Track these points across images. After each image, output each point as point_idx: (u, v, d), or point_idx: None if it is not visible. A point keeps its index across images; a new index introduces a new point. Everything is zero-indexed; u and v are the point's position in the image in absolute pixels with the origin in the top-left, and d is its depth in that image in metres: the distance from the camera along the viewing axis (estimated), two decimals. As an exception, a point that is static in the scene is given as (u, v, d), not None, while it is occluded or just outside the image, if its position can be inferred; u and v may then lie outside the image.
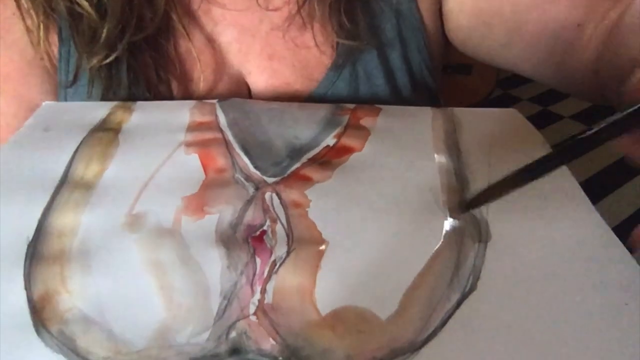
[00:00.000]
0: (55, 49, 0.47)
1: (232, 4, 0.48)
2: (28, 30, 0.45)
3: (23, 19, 0.45)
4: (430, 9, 0.50)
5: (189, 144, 0.38)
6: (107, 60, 0.43)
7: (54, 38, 0.47)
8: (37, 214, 0.32)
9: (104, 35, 0.43)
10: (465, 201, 0.32)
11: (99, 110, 0.43)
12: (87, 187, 0.34)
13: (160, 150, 0.37)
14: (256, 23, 0.48)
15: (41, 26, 0.45)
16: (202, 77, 0.47)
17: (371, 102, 0.47)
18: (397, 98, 0.50)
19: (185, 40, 0.47)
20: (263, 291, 0.27)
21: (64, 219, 0.31)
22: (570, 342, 0.25)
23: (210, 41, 0.48)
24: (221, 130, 0.40)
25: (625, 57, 0.36)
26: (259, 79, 0.49)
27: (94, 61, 0.43)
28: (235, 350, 0.24)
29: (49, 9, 0.45)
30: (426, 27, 0.50)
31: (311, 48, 0.48)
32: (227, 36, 0.48)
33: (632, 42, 0.36)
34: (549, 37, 0.44)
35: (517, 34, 0.46)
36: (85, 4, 0.43)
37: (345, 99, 0.48)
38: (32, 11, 0.44)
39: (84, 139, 0.39)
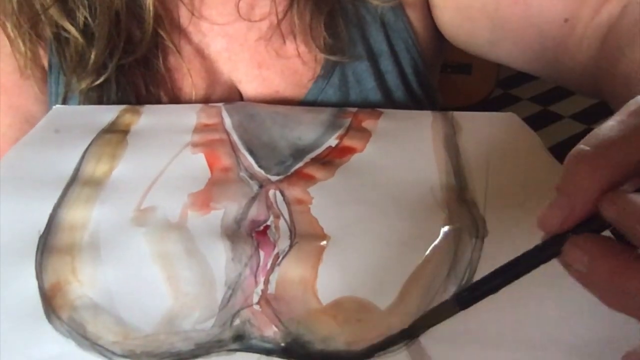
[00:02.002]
0: (45, 67, 0.47)
1: (220, 16, 0.48)
2: (15, 55, 0.45)
3: (10, 44, 0.45)
4: (418, 9, 0.50)
5: (195, 144, 0.39)
6: (97, 83, 0.44)
7: (43, 62, 0.47)
8: (49, 209, 0.33)
9: (92, 59, 0.43)
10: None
11: (107, 113, 0.44)
12: (97, 184, 0.35)
13: (168, 150, 0.39)
14: (244, 32, 0.48)
15: (28, 53, 0.45)
16: (193, 87, 0.47)
17: (363, 106, 0.48)
18: (389, 101, 0.50)
19: (174, 54, 0.47)
20: (266, 282, 0.28)
21: (75, 213, 0.32)
22: (564, 333, 0.26)
23: (200, 52, 0.48)
24: (227, 132, 0.41)
25: (618, 65, 0.36)
26: (249, 87, 0.49)
27: (83, 85, 0.44)
28: (239, 336, 0.25)
29: (35, 36, 0.45)
30: (414, 29, 0.50)
31: (295, 58, 0.48)
32: (217, 45, 0.49)
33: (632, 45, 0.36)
34: (536, 33, 0.44)
35: (503, 30, 0.46)
36: (72, 29, 0.43)
37: (336, 105, 0.48)
38: (19, 39, 0.45)
39: (93, 139, 0.40)
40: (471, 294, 0.23)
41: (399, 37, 0.50)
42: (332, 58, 0.47)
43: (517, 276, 0.22)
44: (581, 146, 0.20)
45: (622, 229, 0.18)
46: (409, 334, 0.25)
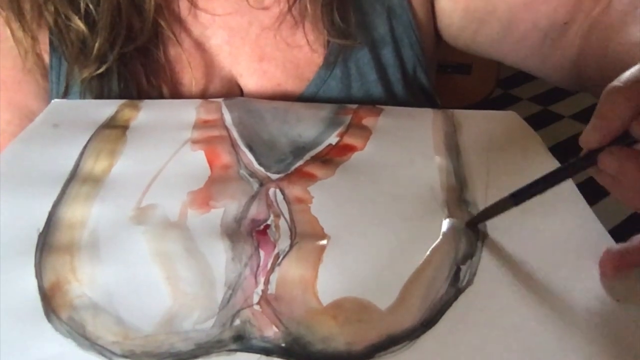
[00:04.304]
0: (46, 59, 0.47)
1: (221, 7, 0.48)
2: (16, 41, 0.45)
3: (12, 34, 0.45)
4: (423, 6, 0.51)
5: (195, 141, 0.39)
6: (98, 72, 0.44)
7: (45, 58, 0.47)
8: (48, 207, 0.33)
9: (95, 47, 0.43)
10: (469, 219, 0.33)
11: (106, 107, 0.44)
12: (96, 181, 0.35)
13: (167, 146, 0.38)
14: (245, 25, 0.48)
15: (29, 41, 0.45)
16: (193, 80, 0.47)
17: (364, 99, 0.48)
18: (390, 95, 0.50)
19: (175, 45, 0.47)
20: (266, 282, 0.28)
21: (74, 211, 0.32)
22: (562, 333, 0.26)
23: (200, 45, 0.48)
24: (226, 128, 0.41)
25: (608, 50, 0.39)
26: (250, 81, 0.49)
27: (85, 74, 0.44)
28: (239, 337, 0.25)
29: (36, 25, 0.45)
30: (419, 24, 0.51)
31: (302, 47, 0.48)
32: (217, 39, 0.48)
33: (617, 37, 0.39)
34: (539, 35, 0.47)
35: (510, 31, 0.48)
36: (75, 18, 0.43)
37: (337, 97, 0.49)
38: (21, 30, 0.44)
39: (92, 135, 0.40)
40: (524, 194, 0.30)
41: (404, 32, 0.50)
42: (343, 42, 0.47)
43: (560, 181, 0.29)
44: (615, 83, 0.26)
45: None
46: (472, 223, 0.32)
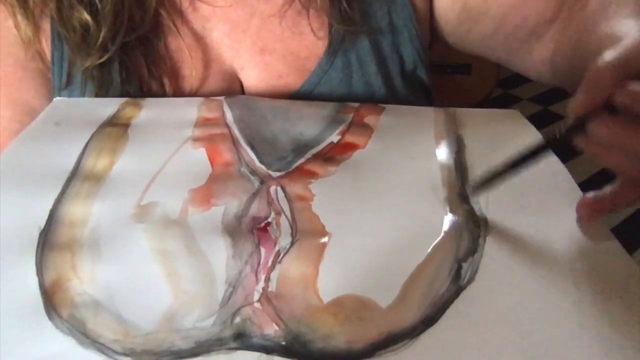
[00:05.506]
0: (47, 51, 0.47)
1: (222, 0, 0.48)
2: (19, 30, 0.45)
3: (15, 22, 0.45)
4: (423, 2, 0.51)
5: (196, 139, 0.39)
6: (100, 61, 0.44)
7: (46, 55, 0.47)
8: (49, 204, 0.33)
9: (100, 38, 0.43)
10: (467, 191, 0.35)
11: (108, 106, 0.44)
12: (98, 179, 0.35)
13: (168, 144, 0.38)
14: (247, 18, 0.48)
15: (32, 28, 0.45)
16: (193, 72, 0.47)
17: (364, 91, 0.48)
18: (389, 88, 0.50)
19: (176, 37, 0.47)
20: (267, 279, 0.28)
21: (75, 209, 0.32)
22: (564, 331, 0.26)
23: (202, 38, 0.48)
24: (228, 126, 0.41)
25: (578, 44, 0.40)
26: (251, 74, 0.49)
27: (88, 63, 0.44)
28: (240, 335, 0.25)
29: (39, 13, 0.45)
30: (418, 19, 0.51)
31: (306, 35, 0.48)
32: (219, 32, 0.49)
33: (591, 33, 0.40)
34: (525, 31, 0.48)
35: (500, 28, 0.49)
36: (81, 10, 0.43)
37: (338, 88, 0.49)
38: (25, 21, 0.44)
39: (94, 133, 0.40)
40: (519, 164, 0.32)
41: (404, 25, 0.50)
42: (347, 28, 0.48)
43: (556, 144, 0.31)
44: (599, 62, 0.28)
45: (627, 107, 0.27)
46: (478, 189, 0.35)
